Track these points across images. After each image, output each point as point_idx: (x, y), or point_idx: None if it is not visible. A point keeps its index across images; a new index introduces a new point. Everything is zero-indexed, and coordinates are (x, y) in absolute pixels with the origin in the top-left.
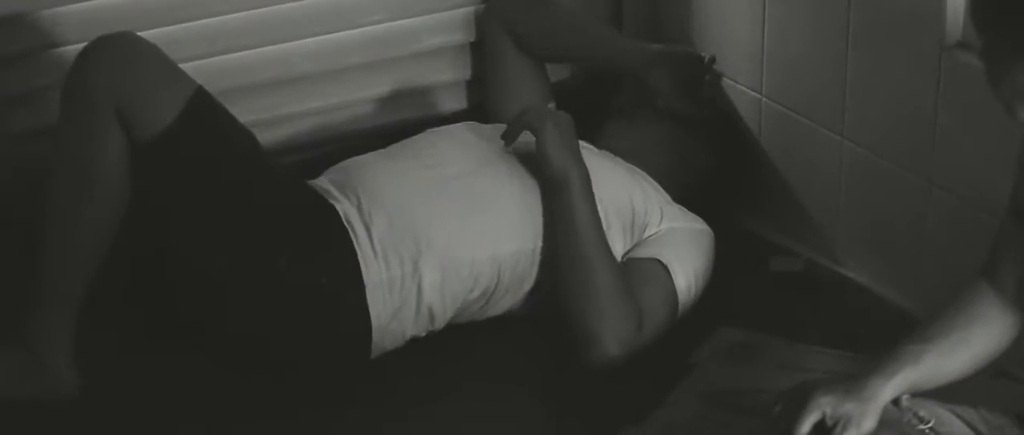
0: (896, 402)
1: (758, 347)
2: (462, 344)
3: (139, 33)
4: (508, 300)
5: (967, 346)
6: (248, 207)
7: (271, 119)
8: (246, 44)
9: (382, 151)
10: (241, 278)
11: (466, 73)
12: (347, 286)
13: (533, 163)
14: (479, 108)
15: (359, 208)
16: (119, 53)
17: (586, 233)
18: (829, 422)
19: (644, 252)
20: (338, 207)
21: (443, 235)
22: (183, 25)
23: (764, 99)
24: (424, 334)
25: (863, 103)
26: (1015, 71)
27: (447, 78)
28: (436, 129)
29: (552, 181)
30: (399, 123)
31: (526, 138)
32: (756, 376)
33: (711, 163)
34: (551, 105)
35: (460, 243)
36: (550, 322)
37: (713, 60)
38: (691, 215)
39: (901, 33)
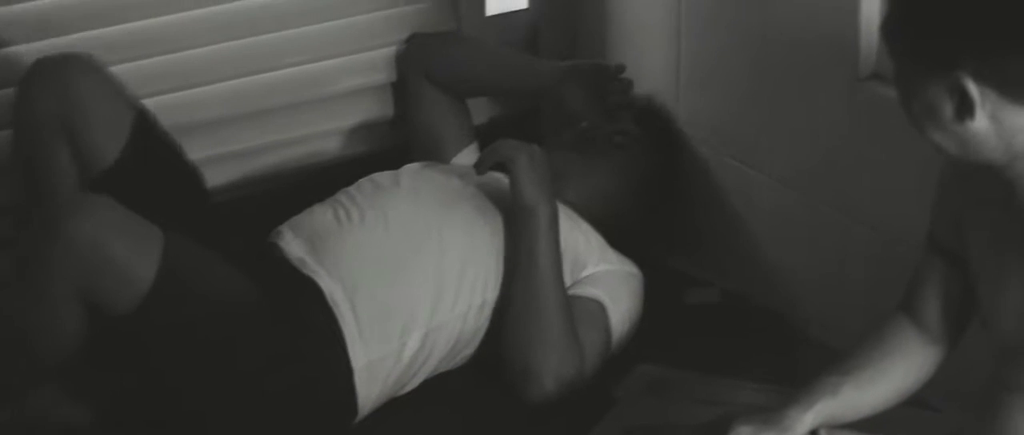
0: (814, 433)
1: (677, 382)
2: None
3: None
4: (471, 349)
5: (885, 378)
6: (232, 350)
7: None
8: (163, 88)
9: (346, 206)
10: (226, 382)
11: (388, 112)
12: (335, 374)
13: (495, 203)
14: (402, 147)
15: (343, 285)
16: (85, 226)
17: (545, 268)
18: None
19: (582, 291)
20: (321, 284)
21: (424, 302)
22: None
23: (677, 126)
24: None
25: (778, 136)
26: (924, 89)
27: (369, 118)
28: (390, 176)
29: (520, 212)
30: (322, 164)
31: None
32: (676, 411)
33: (637, 199)
34: (474, 146)
35: (439, 305)
36: (480, 361)
37: (621, 69)
38: (624, 259)
39: (815, 66)
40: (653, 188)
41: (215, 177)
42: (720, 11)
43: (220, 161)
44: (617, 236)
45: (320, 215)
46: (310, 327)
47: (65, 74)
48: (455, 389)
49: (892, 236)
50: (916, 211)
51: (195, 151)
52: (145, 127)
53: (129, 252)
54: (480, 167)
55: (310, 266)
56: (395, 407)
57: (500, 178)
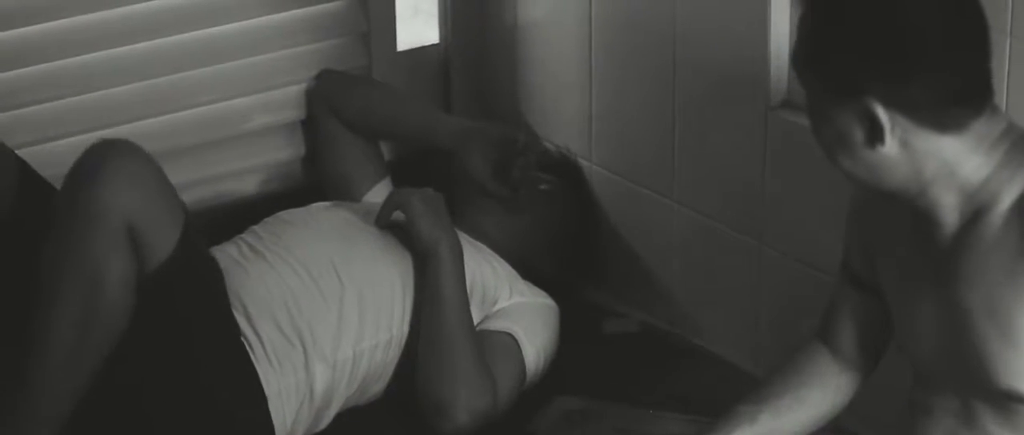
0: None
1: (595, 413)
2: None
3: None
4: (376, 386)
5: (803, 405)
6: (204, 340)
7: None
8: (73, 130)
9: (251, 244)
10: (168, 409)
11: (301, 150)
12: (251, 403)
13: (401, 241)
14: (315, 185)
15: (247, 318)
16: (130, 167)
17: (451, 304)
18: None
19: (494, 325)
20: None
21: (326, 334)
22: (10, 113)
23: (594, 166)
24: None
25: (692, 166)
26: (834, 117)
27: (281, 156)
28: (288, 214)
29: (423, 253)
30: (233, 203)
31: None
32: None
33: (546, 236)
34: (386, 181)
35: (342, 339)
36: (397, 395)
37: (526, 143)
38: (537, 290)
39: (727, 95)
40: (569, 233)
41: None
42: (631, 43)
43: None
44: (535, 273)
45: (223, 252)
46: (225, 358)
47: (135, 164)
48: (370, 425)
49: (807, 262)
50: (830, 238)
51: None
52: (191, 226)
53: (165, 188)
54: (379, 221)
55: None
56: None
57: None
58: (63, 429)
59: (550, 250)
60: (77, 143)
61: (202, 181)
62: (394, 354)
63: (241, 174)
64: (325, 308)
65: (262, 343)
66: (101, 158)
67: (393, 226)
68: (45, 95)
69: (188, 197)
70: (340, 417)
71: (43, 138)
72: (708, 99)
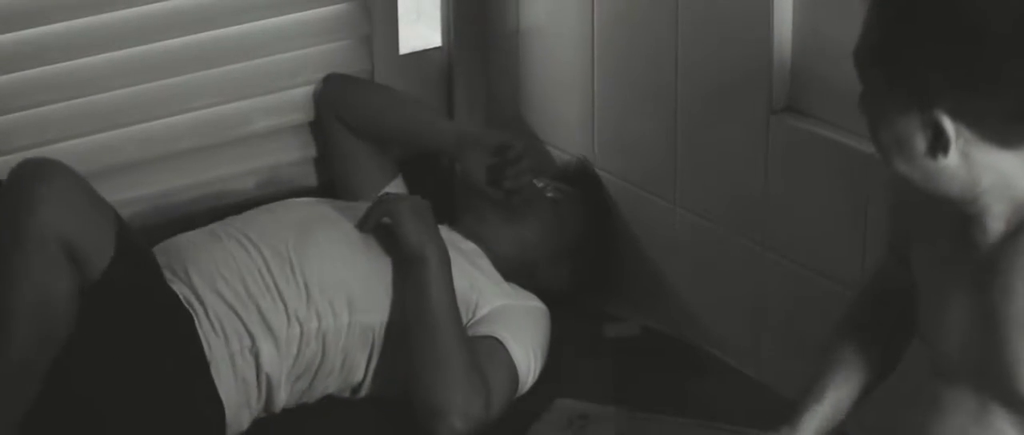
0: None
1: (596, 417)
2: (310, 427)
3: None
4: (336, 376)
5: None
6: (150, 325)
7: None
8: (76, 132)
9: (206, 229)
10: (113, 385)
11: (310, 151)
12: (195, 367)
13: (378, 241)
14: (327, 185)
15: (191, 287)
16: (58, 186)
17: (440, 310)
18: None
19: (479, 330)
20: (175, 288)
21: (269, 308)
22: (11, 116)
23: (597, 170)
24: (265, 413)
25: (694, 170)
26: (896, 120)
27: (289, 158)
28: (265, 205)
29: (408, 258)
30: (239, 205)
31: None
32: None
33: (549, 248)
34: (398, 180)
35: (285, 317)
36: (392, 400)
37: (519, 153)
38: (524, 293)
39: (729, 99)
40: (576, 246)
41: (132, 219)
42: (634, 47)
43: (135, 204)
44: (539, 284)
45: (183, 236)
46: (166, 323)
47: (63, 182)
48: (363, 426)
49: (808, 267)
50: (832, 242)
51: (110, 194)
52: (127, 231)
53: (95, 201)
54: (363, 226)
55: (166, 275)
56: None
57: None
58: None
59: (553, 262)
60: (81, 146)
61: (206, 184)
62: (351, 343)
63: (245, 176)
64: (271, 283)
65: (206, 310)
66: (28, 183)
67: (379, 230)
68: (49, 98)
69: (193, 199)
70: (331, 417)
71: (46, 141)
72: (710, 103)
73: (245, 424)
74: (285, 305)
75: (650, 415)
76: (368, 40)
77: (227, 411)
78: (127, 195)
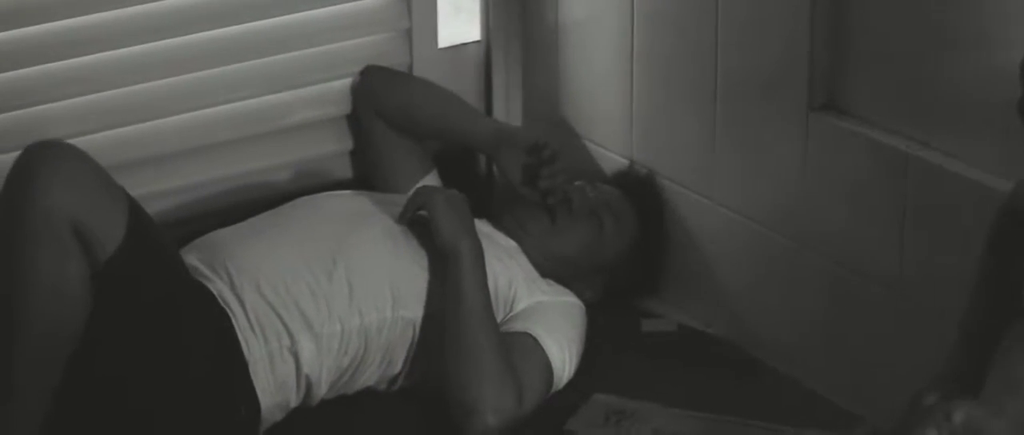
0: None
1: (633, 412)
2: (344, 419)
3: (11, 113)
4: (376, 369)
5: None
6: (172, 315)
7: (142, 197)
8: (115, 122)
9: (245, 224)
10: (145, 382)
11: (347, 144)
12: (233, 369)
13: (415, 233)
14: (362, 178)
15: (231, 285)
16: (65, 168)
17: (473, 305)
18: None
19: (515, 326)
20: (211, 287)
21: (310, 306)
22: (52, 105)
23: (634, 164)
24: (302, 404)
25: (733, 167)
26: None
27: (326, 150)
28: (304, 198)
29: (443, 252)
30: (276, 197)
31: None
32: None
33: (595, 265)
34: (433, 174)
35: (327, 314)
36: (427, 393)
37: (551, 151)
38: (559, 288)
39: (768, 96)
40: (623, 267)
41: (169, 211)
42: (673, 42)
43: (173, 195)
44: (584, 288)
45: (224, 231)
46: (204, 323)
47: (71, 164)
48: (397, 419)
49: (846, 265)
50: (869, 242)
51: (148, 185)
52: (139, 213)
53: (105, 181)
54: (401, 219)
55: (201, 271)
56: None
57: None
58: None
59: (590, 276)
60: (119, 136)
61: (244, 175)
62: (392, 338)
63: (281, 169)
64: (313, 281)
65: (244, 310)
66: (35, 165)
67: (415, 222)
68: (88, 88)
69: (228, 191)
70: (367, 409)
71: (85, 130)
72: (749, 100)
73: (284, 413)
74: (327, 303)
75: (686, 411)
76: (408, 34)
77: (263, 410)
78: (164, 186)
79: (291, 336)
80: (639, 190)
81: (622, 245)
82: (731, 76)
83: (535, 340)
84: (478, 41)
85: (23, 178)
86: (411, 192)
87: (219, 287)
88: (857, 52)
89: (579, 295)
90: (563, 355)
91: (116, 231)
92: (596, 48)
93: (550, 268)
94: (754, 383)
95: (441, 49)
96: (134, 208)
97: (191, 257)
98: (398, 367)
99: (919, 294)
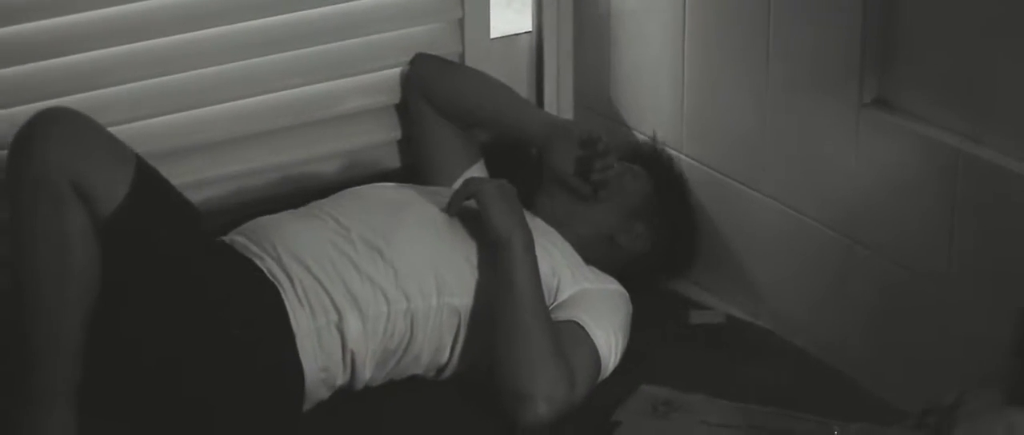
0: None
1: (680, 404)
2: (390, 404)
3: (64, 98)
4: (426, 357)
5: None
6: (196, 277)
7: (192, 183)
8: (167, 109)
9: (291, 210)
10: (191, 349)
11: (394, 133)
12: (280, 337)
13: (463, 224)
14: (410, 168)
15: (279, 261)
16: (63, 129)
17: (525, 294)
18: None
19: (560, 314)
20: (260, 264)
21: (357, 286)
22: (105, 91)
23: (684, 157)
24: (348, 386)
25: (783, 160)
26: None
27: (375, 139)
28: (350, 189)
29: (494, 242)
30: (327, 185)
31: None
32: (679, 433)
33: (638, 246)
34: (480, 164)
35: (373, 295)
36: (478, 381)
37: (605, 145)
38: (604, 276)
39: (819, 90)
40: (654, 209)
41: (218, 198)
42: (724, 37)
43: (223, 182)
44: (624, 255)
45: (271, 216)
46: (252, 292)
47: (69, 126)
48: (447, 407)
49: (895, 260)
50: (918, 236)
51: (197, 172)
52: (147, 172)
53: (105, 138)
54: (450, 208)
55: (250, 250)
56: (396, 425)
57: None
58: (80, 388)
59: (627, 226)
60: (171, 123)
61: (293, 163)
62: (440, 324)
63: (330, 157)
64: (360, 263)
65: (293, 285)
66: (35, 126)
67: (464, 213)
68: (141, 74)
69: (277, 179)
70: (414, 397)
71: (137, 116)
72: (801, 94)
73: (328, 391)
74: (373, 284)
75: (733, 403)
76: (460, 23)
77: (307, 379)
78: (213, 173)
79: (338, 312)
80: (647, 157)
81: (642, 190)
82: (783, 69)
83: (583, 328)
84: (529, 31)
85: (23, 139)
86: (459, 183)
87: (268, 264)
88: (908, 47)
89: (632, 253)
90: (610, 343)
91: (118, 188)
92: (647, 39)
93: (593, 242)
94: (801, 376)
95: (493, 39)
96: (142, 169)
97: (238, 238)
98: (446, 356)
99: (968, 290)
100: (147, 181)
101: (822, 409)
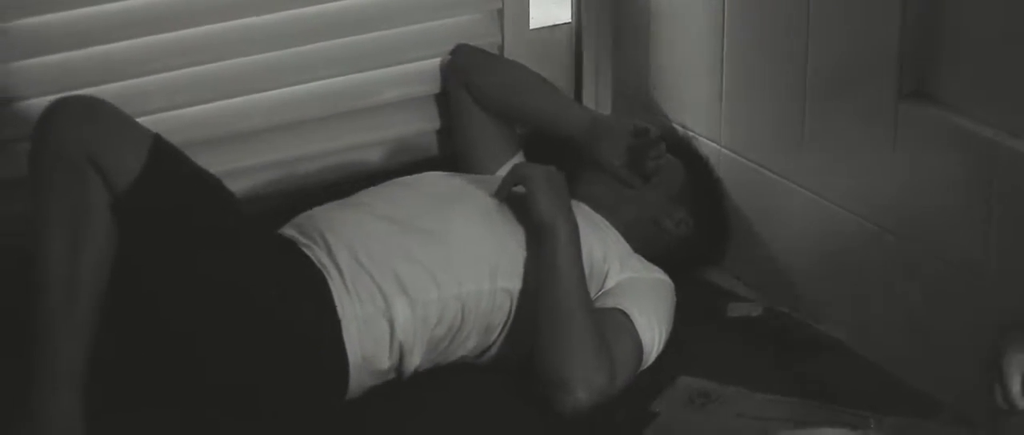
0: None
1: (717, 396)
2: (434, 390)
3: (102, 87)
4: (473, 340)
5: None
6: (226, 253)
7: (230, 172)
8: (205, 97)
9: (340, 201)
10: (226, 327)
11: (435, 123)
12: (325, 323)
13: (511, 210)
14: (449, 157)
15: (328, 250)
16: (80, 109)
17: (568, 282)
18: None
19: (607, 302)
20: (309, 253)
21: (407, 272)
22: (144, 79)
23: (722, 149)
24: (396, 374)
25: (821, 153)
26: None
27: (415, 129)
28: (397, 179)
29: (539, 229)
30: (366, 174)
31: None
32: (716, 425)
33: (682, 231)
34: (520, 154)
35: (424, 280)
36: (515, 366)
37: (656, 134)
38: (651, 265)
39: (858, 83)
40: (690, 190)
41: (256, 187)
42: (763, 29)
43: (261, 171)
44: (669, 239)
45: (320, 208)
46: (298, 278)
47: (83, 107)
48: (489, 393)
49: (933, 252)
50: (956, 229)
51: (237, 161)
52: (164, 149)
53: (119, 117)
54: (498, 194)
55: (299, 240)
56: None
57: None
58: (97, 363)
59: (669, 208)
60: (209, 112)
61: (334, 153)
62: (490, 308)
63: (370, 147)
64: (410, 249)
65: (341, 273)
66: (55, 109)
67: (512, 199)
68: (179, 63)
69: (320, 168)
70: (454, 379)
71: (175, 105)
72: (839, 87)
73: (377, 379)
74: (424, 269)
75: (770, 395)
76: (499, 14)
77: (351, 371)
78: (253, 162)
79: (386, 300)
80: (676, 144)
81: (680, 174)
82: (821, 62)
83: (627, 317)
84: (568, 23)
85: (42, 121)
86: (508, 168)
87: (317, 253)
88: (948, 40)
89: (674, 231)
90: (653, 333)
91: (133, 164)
92: (687, 32)
93: (638, 227)
94: (839, 368)
95: (532, 30)
96: (160, 147)
97: (288, 230)
98: (494, 337)
99: (1005, 282)
100: (164, 159)
101: (860, 401)
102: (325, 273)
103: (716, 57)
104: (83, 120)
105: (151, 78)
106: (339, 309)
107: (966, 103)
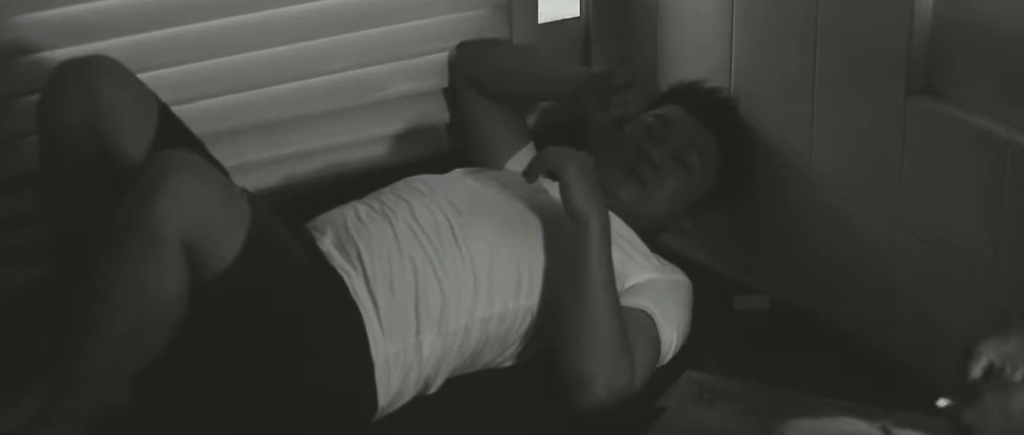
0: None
1: (725, 390)
2: (451, 393)
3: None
4: (488, 356)
5: None
6: (297, 323)
7: (239, 166)
8: (214, 91)
9: (375, 205)
10: (268, 360)
11: (442, 117)
12: (358, 366)
13: (537, 213)
14: (458, 151)
15: (366, 281)
16: (187, 179)
17: (598, 278)
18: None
19: (629, 302)
20: (347, 281)
21: (439, 304)
22: (152, 73)
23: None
24: (417, 395)
25: (830, 147)
26: None
27: (421, 123)
28: (423, 177)
29: (572, 221)
30: (373, 169)
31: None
32: (724, 420)
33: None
34: (529, 146)
35: (452, 309)
36: (534, 363)
37: (623, 78)
38: (671, 266)
39: (867, 78)
40: (726, 179)
41: (264, 180)
42: (772, 23)
43: (270, 165)
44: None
45: (350, 211)
46: (337, 320)
47: (91, 77)
48: (505, 390)
49: (941, 247)
50: (966, 225)
51: (245, 154)
52: (169, 124)
53: (222, 188)
54: (529, 175)
55: (336, 259)
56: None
57: (548, 188)
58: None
59: (690, 203)
60: (216, 105)
61: (342, 146)
62: (511, 325)
63: (380, 140)
64: (442, 278)
65: (377, 309)
66: (160, 174)
67: (532, 194)
68: (187, 57)
69: (328, 161)
70: (474, 382)
71: (183, 99)
72: (848, 81)
73: (398, 406)
74: (455, 296)
75: (778, 389)
76: (507, 8)
77: (380, 407)
78: (262, 156)
79: (417, 334)
80: (710, 109)
81: (711, 174)
82: (830, 57)
83: (650, 318)
84: (577, 17)
85: (145, 188)
86: (517, 159)
87: (355, 282)
88: (957, 36)
89: (680, 229)
90: (671, 335)
91: (230, 249)
92: (695, 27)
93: (649, 228)
94: (847, 363)
95: (541, 24)
96: (256, 222)
97: (324, 241)
98: (508, 352)
99: (1015, 279)
100: (260, 231)
101: (867, 397)
102: (361, 308)
103: (725, 51)
104: (189, 199)
105: (159, 72)
106: (373, 351)
107: (976, 99)
